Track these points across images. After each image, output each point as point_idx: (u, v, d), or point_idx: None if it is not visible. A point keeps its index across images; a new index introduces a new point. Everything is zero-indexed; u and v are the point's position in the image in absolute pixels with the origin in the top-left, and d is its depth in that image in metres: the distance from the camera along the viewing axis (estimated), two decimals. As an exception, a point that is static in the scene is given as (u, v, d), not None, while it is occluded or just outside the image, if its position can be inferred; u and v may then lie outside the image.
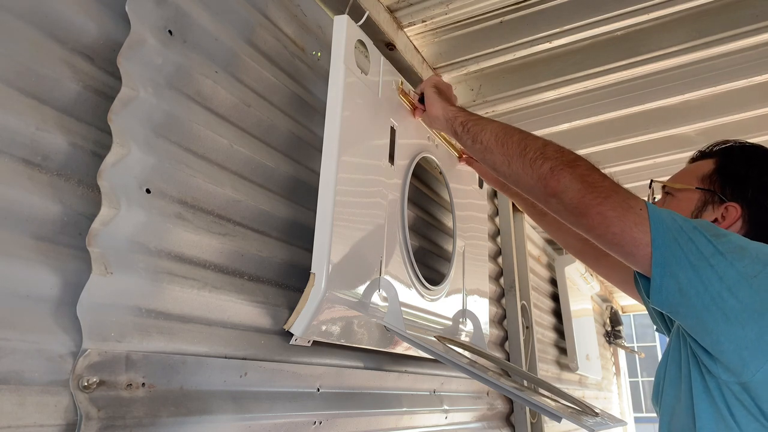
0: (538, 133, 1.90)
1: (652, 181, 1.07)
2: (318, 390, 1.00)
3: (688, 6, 1.37)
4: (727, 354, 0.76)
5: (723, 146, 1.01)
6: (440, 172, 1.45)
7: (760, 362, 0.74)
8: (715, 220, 0.93)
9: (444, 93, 1.17)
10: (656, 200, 1.06)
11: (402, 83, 1.23)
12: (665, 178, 1.07)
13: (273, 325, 0.92)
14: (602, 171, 0.87)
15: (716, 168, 0.98)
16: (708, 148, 1.03)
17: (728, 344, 0.75)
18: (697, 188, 0.97)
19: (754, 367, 0.74)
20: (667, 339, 1.03)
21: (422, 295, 1.23)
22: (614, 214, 0.79)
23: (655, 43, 1.50)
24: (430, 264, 1.42)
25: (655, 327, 1.17)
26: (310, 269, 0.91)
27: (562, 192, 0.84)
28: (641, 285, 0.82)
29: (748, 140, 1.01)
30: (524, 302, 2.19)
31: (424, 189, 1.48)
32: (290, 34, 1.08)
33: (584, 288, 3.18)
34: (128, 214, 0.68)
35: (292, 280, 0.97)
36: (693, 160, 1.06)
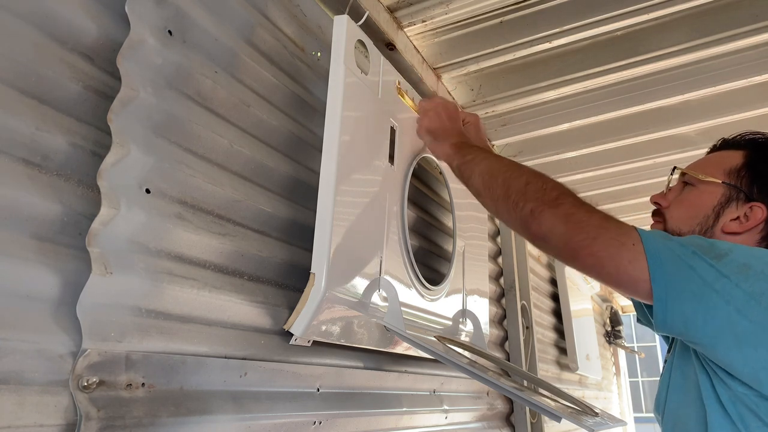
0: (538, 133, 1.92)
1: (674, 168, 0.99)
2: (318, 390, 1.00)
3: (688, 6, 1.37)
4: (743, 376, 0.73)
5: (753, 138, 0.94)
6: (440, 172, 1.45)
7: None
8: (737, 219, 0.87)
9: (448, 118, 1.13)
10: (672, 187, 0.98)
11: (399, 83, 1.23)
12: (655, 170, 1.01)
13: (273, 325, 0.92)
14: (588, 205, 0.81)
15: (746, 162, 0.90)
16: (735, 137, 0.96)
17: (743, 367, 0.73)
18: (723, 182, 0.90)
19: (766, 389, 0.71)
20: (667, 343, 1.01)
21: (422, 295, 1.23)
22: (606, 254, 0.76)
23: (655, 43, 1.50)
24: (430, 264, 1.42)
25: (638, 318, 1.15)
26: (310, 269, 0.91)
27: (547, 235, 0.81)
28: (647, 312, 0.79)
29: None
30: (524, 302, 2.19)
31: (424, 189, 1.47)
32: (290, 34, 1.08)
33: (584, 288, 3.18)
34: (128, 214, 0.68)
35: (292, 280, 0.97)
36: (716, 148, 0.98)
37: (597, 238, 0.77)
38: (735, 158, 0.92)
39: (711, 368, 0.78)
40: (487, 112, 1.80)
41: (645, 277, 0.74)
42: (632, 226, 0.78)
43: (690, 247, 0.75)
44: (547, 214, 0.80)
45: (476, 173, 0.97)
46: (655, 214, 0.99)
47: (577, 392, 2.91)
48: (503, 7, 1.41)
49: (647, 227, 1.01)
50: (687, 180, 0.96)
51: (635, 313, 1.14)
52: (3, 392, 0.55)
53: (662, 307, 0.74)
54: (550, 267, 2.95)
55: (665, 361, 0.96)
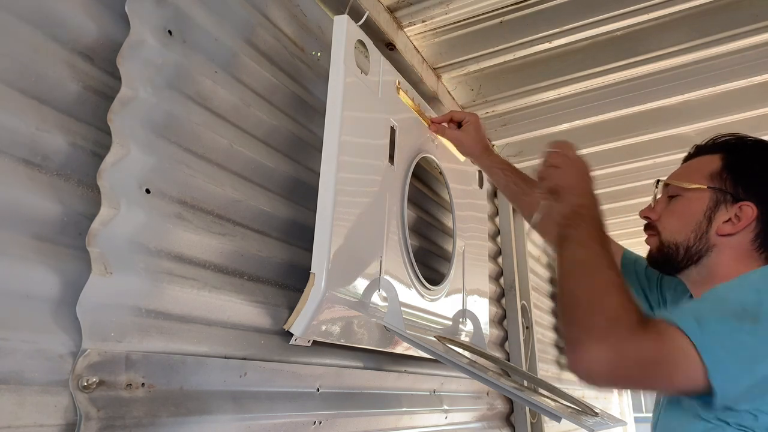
0: (538, 133, 1.92)
1: (658, 181, 1.01)
2: (318, 390, 1.00)
3: (688, 6, 1.37)
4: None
5: (724, 141, 0.95)
6: (440, 172, 1.45)
7: None
8: (729, 220, 0.88)
9: (581, 177, 1.02)
10: (659, 199, 0.99)
11: (399, 83, 1.23)
12: (665, 178, 1.01)
13: (273, 325, 0.92)
14: (641, 327, 0.72)
15: (724, 165, 0.91)
16: (707, 142, 0.97)
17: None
18: (708, 187, 0.91)
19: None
20: None
21: (422, 295, 1.23)
22: (672, 367, 0.71)
23: (655, 43, 1.50)
24: (430, 264, 1.42)
25: None
26: (310, 269, 0.91)
27: (590, 376, 0.74)
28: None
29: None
30: (524, 302, 2.19)
31: (424, 189, 1.47)
32: (290, 34, 1.08)
33: (584, 288, 3.17)
34: (128, 214, 0.68)
35: (292, 280, 0.97)
36: (690, 156, 0.99)
37: (660, 353, 0.71)
38: (714, 162, 0.93)
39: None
40: (487, 112, 1.80)
41: (704, 379, 0.71)
42: (675, 327, 0.72)
43: (730, 321, 0.72)
44: (600, 350, 0.72)
45: (563, 256, 0.87)
46: (647, 228, 1.01)
47: (577, 392, 2.91)
48: (503, 7, 1.41)
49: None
50: (672, 192, 0.97)
51: None
52: (3, 392, 0.55)
53: (724, 391, 0.71)
54: (550, 267, 2.94)
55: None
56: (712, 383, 0.70)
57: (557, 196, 0.97)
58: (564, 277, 0.84)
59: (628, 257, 1.18)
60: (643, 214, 1.01)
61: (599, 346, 0.72)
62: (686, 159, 1.01)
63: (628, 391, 0.91)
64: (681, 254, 0.92)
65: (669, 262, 0.94)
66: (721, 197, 0.90)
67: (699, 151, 0.98)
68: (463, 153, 1.40)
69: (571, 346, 0.74)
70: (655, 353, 0.71)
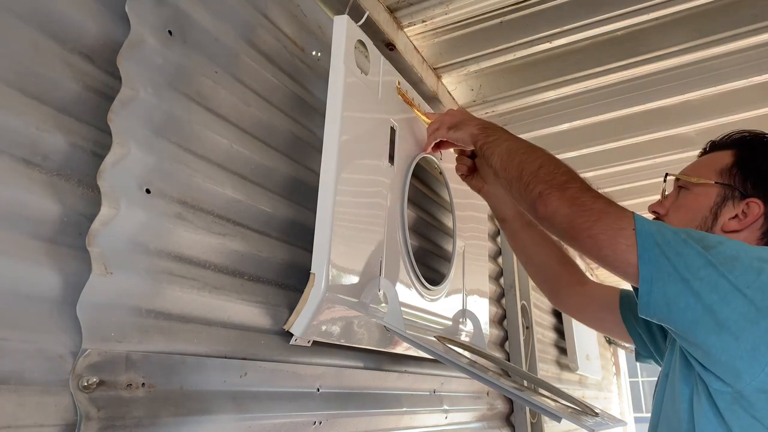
0: (538, 133, 1.92)
1: (666, 174, 1.02)
2: (318, 390, 1.00)
3: (688, 6, 1.37)
4: (720, 365, 0.74)
5: (740, 137, 0.95)
6: (440, 172, 1.45)
7: (755, 372, 0.72)
8: (736, 216, 0.88)
9: (464, 113, 1.17)
10: (668, 194, 1.00)
11: (399, 83, 1.23)
12: (656, 169, 1.02)
13: (273, 325, 0.92)
14: (595, 191, 0.85)
15: (736, 161, 0.91)
16: (722, 138, 0.97)
17: (720, 355, 0.74)
18: (716, 183, 0.91)
19: (749, 377, 0.72)
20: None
21: (422, 295, 1.23)
22: (605, 237, 0.79)
23: (655, 43, 1.50)
24: (430, 264, 1.42)
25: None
26: (310, 269, 0.91)
27: (552, 216, 0.85)
28: (641, 332, 0.82)
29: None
30: (524, 302, 2.19)
31: (424, 189, 1.47)
32: (290, 34, 1.08)
33: (584, 288, 3.18)
34: (128, 214, 0.68)
35: (292, 280, 0.97)
36: (705, 152, 1.00)
37: (598, 220, 0.80)
38: (725, 158, 0.93)
39: (695, 369, 0.78)
40: (487, 112, 1.80)
41: (636, 260, 0.76)
42: (632, 212, 0.80)
43: (681, 234, 0.77)
44: (555, 197, 0.85)
45: (496, 153, 1.00)
46: None
47: (577, 392, 2.91)
48: (503, 7, 1.41)
49: None
50: (681, 185, 0.98)
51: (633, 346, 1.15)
52: (3, 392, 0.55)
53: (647, 288, 0.76)
54: (550, 267, 2.94)
55: (655, 390, 0.96)
56: (639, 268, 0.76)
57: (458, 128, 1.12)
58: (507, 161, 0.96)
59: (626, 294, 1.19)
60: (652, 209, 1.01)
61: (562, 193, 0.85)
62: (701, 155, 1.01)
63: (580, 246, 0.98)
64: None
65: None
66: (728, 193, 0.90)
67: (713, 147, 0.98)
68: (472, 187, 1.38)
69: (537, 198, 0.87)
70: (603, 208, 0.81)
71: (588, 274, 1.50)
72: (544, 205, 0.86)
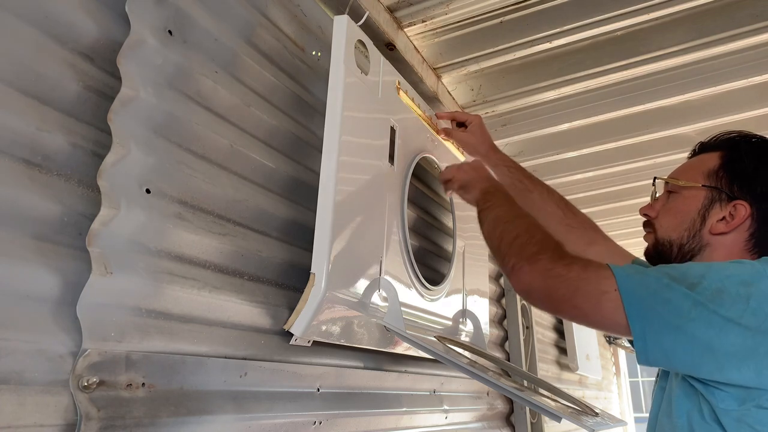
0: (538, 133, 1.92)
1: (655, 178, 1.02)
2: (318, 390, 1.00)
3: (688, 6, 1.37)
4: (725, 392, 0.75)
5: (727, 138, 0.95)
6: (440, 172, 1.45)
7: (760, 393, 0.73)
8: (723, 219, 0.88)
9: (474, 169, 1.21)
10: (658, 197, 1.00)
11: (399, 83, 1.23)
12: (667, 176, 1.03)
13: (273, 325, 0.92)
14: (567, 257, 0.84)
15: (722, 163, 0.91)
16: (711, 140, 0.97)
17: (727, 388, 0.74)
18: (703, 186, 0.92)
19: (755, 398, 0.73)
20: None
21: (422, 295, 1.23)
22: (589, 305, 0.79)
23: (655, 43, 1.50)
24: (430, 264, 1.42)
25: None
26: (310, 269, 0.91)
27: (527, 290, 0.85)
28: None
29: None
30: (524, 302, 2.19)
31: (424, 189, 1.48)
32: (290, 34, 1.08)
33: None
34: (128, 214, 0.68)
35: (292, 280, 0.97)
36: (694, 153, 1.00)
37: (578, 290, 0.80)
38: (712, 160, 0.93)
39: (697, 395, 0.79)
40: (487, 112, 1.80)
41: (626, 320, 0.76)
42: (609, 270, 0.79)
43: (664, 279, 0.76)
44: (525, 271, 0.85)
45: (485, 222, 1.05)
46: (645, 225, 1.02)
47: (577, 392, 2.91)
48: (503, 7, 1.41)
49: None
50: (670, 188, 0.98)
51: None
52: (3, 392, 0.55)
53: (642, 344, 0.76)
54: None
55: (654, 391, 0.96)
56: (630, 326, 0.75)
57: (466, 190, 1.19)
58: (491, 231, 1.00)
59: (639, 262, 1.19)
60: (643, 212, 1.02)
61: (533, 266, 0.84)
62: (691, 156, 1.01)
63: (566, 317, 1.01)
64: (674, 252, 0.93)
65: (663, 259, 0.94)
66: (716, 196, 0.90)
67: (702, 148, 0.99)
68: (469, 153, 1.41)
69: (510, 272, 0.88)
70: (579, 275, 0.80)
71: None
72: (517, 280, 0.86)
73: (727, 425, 0.75)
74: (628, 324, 0.76)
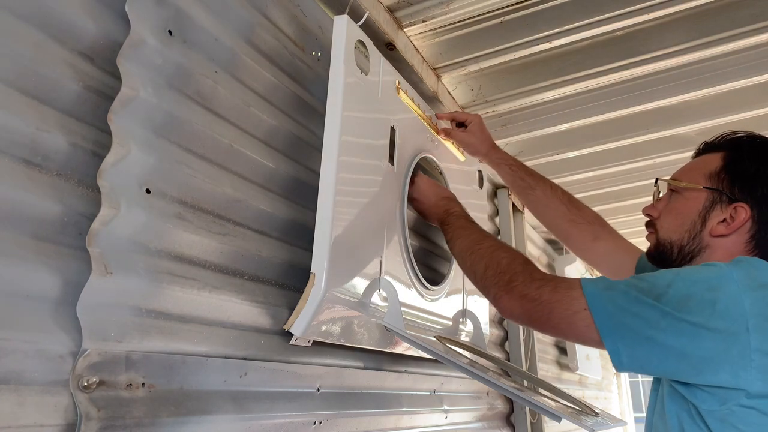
0: (538, 133, 1.92)
1: (657, 179, 1.02)
2: (318, 390, 1.00)
3: (688, 6, 1.37)
4: (706, 394, 0.77)
5: (731, 138, 0.95)
6: (440, 172, 1.45)
7: (739, 394, 0.74)
8: (724, 221, 0.88)
9: (427, 197, 1.25)
10: (661, 197, 1.00)
11: (399, 83, 1.23)
12: (668, 177, 1.02)
13: (273, 325, 0.92)
14: (539, 278, 0.88)
15: (724, 164, 0.91)
16: (715, 139, 0.97)
17: (708, 389, 0.76)
18: (704, 187, 0.91)
19: (735, 399, 0.74)
20: None
21: (422, 295, 1.23)
22: (564, 325, 0.83)
23: (655, 43, 1.50)
24: (430, 264, 1.42)
25: None
26: (310, 269, 0.91)
27: (511, 316, 0.90)
28: None
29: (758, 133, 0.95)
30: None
31: (424, 189, 1.47)
32: (290, 34, 1.08)
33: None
34: (128, 214, 0.68)
35: (292, 280, 0.97)
36: (699, 153, 0.99)
37: (552, 312, 0.83)
38: (714, 161, 0.93)
39: (683, 397, 0.81)
40: (487, 112, 1.80)
41: (599, 336, 0.79)
42: (579, 289, 0.82)
43: (632, 292, 0.78)
44: (505, 299, 0.90)
45: (453, 253, 1.12)
46: (648, 225, 1.02)
47: (577, 392, 2.91)
48: (503, 7, 1.41)
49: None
50: (672, 188, 0.98)
51: None
52: (3, 392, 0.55)
53: (617, 358, 0.78)
54: (550, 267, 2.95)
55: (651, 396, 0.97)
56: (604, 342, 0.78)
57: (425, 217, 1.27)
58: (462, 264, 1.06)
59: (644, 263, 1.19)
60: (645, 211, 1.02)
61: (510, 294, 0.88)
62: (695, 155, 1.00)
63: (549, 335, 1.10)
64: (675, 253, 0.93)
65: (664, 260, 0.94)
66: (717, 197, 0.90)
67: (706, 148, 0.98)
68: (470, 153, 1.42)
69: (493, 302, 0.93)
70: (551, 298, 0.83)
71: (588, 276, 1.49)
72: (501, 309, 0.91)
73: (712, 425, 0.76)
74: (600, 339, 0.79)
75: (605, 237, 1.25)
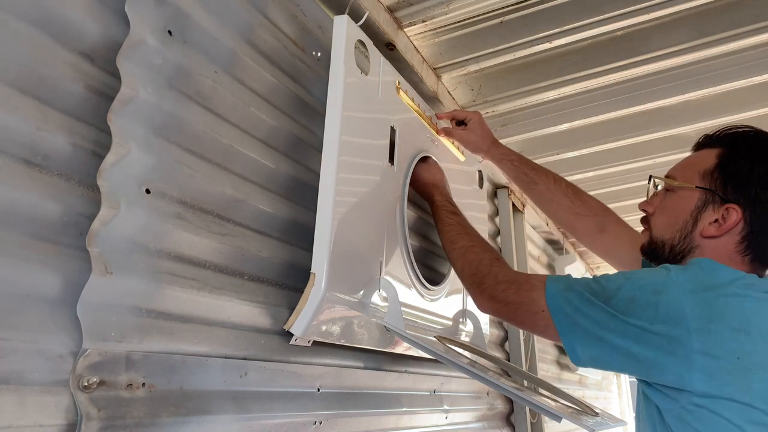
0: (538, 133, 1.92)
1: (651, 177, 1.01)
2: (318, 390, 1.00)
3: (688, 6, 1.37)
4: (660, 392, 0.80)
5: (730, 133, 0.92)
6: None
7: (687, 395, 0.76)
8: (716, 221, 0.86)
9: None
10: (657, 192, 0.99)
11: (399, 83, 1.23)
12: (667, 172, 1.01)
13: (273, 325, 0.92)
14: (506, 279, 0.94)
15: (718, 163, 0.89)
16: (716, 133, 0.94)
17: (660, 390, 0.80)
18: (697, 187, 0.90)
19: (685, 399, 0.77)
20: None
21: (422, 295, 1.23)
22: (528, 323, 0.90)
23: (655, 43, 1.50)
24: (430, 264, 1.42)
25: None
26: (310, 269, 0.91)
27: (488, 313, 1.00)
28: None
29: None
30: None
31: (424, 189, 1.47)
32: (290, 34, 1.08)
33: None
34: (128, 214, 0.68)
35: (292, 280, 0.97)
36: (698, 146, 0.97)
37: (516, 313, 0.91)
38: (709, 159, 0.90)
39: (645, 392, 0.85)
40: (487, 112, 1.80)
41: (557, 334, 0.85)
42: (540, 291, 0.87)
43: (586, 293, 0.83)
44: (479, 300, 0.98)
45: (443, 233, 1.17)
46: (643, 221, 1.00)
47: (577, 392, 2.91)
48: (503, 7, 1.41)
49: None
50: (667, 185, 0.97)
51: None
52: (3, 392, 0.55)
53: (573, 355, 0.83)
54: (550, 267, 2.95)
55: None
56: (561, 339, 0.84)
57: (424, 196, 1.30)
58: (447, 254, 1.13)
59: None
60: (641, 207, 1.01)
61: (482, 296, 0.97)
62: (695, 148, 0.98)
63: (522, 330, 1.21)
64: (666, 252, 0.92)
65: (656, 258, 0.94)
66: (709, 197, 0.88)
67: (704, 143, 0.96)
68: (472, 150, 1.40)
69: (473, 300, 1.01)
70: (514, 299, 0.90)
71: (588, 276, 1.49)
72: (478, 307, 1.00)
73: (672, 424, 0.79)
74: (559, 337, 0.84)
75: (611, 229, 1.23)
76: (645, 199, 1.02)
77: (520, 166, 1.31)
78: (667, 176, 0.98)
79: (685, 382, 0.75)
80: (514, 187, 2.26)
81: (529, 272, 2.30)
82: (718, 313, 0.76)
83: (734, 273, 0.80)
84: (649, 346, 0.77)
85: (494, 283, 0.95)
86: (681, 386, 0.76)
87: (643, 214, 1.01)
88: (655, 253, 0.94)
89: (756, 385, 0.73)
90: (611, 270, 1.28)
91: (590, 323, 0.81)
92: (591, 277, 0.87)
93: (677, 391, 0.77)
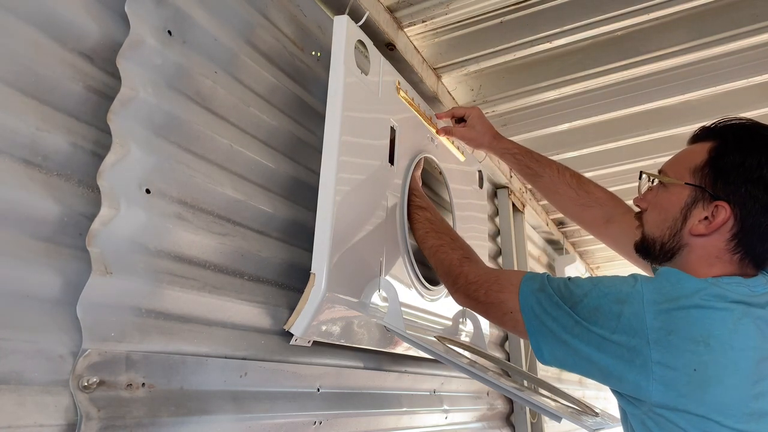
0: (538, 133, 1.92)
1: (641, 173, 0.98)
2: (318, 390, 1.00)
3: (688, 6, 1.37)
4: (627, 401, 0.82)
5: (723, 126, 0.89)
6: (440, 172, 1.45)
7: (645, 404, 0.78)
8: (705, 218, 0.84)
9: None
10: (651, 188, 0.96)
11: (399, 83, 1.23)
12: (656, 169, 0.98)
13: (273, 325, 0.92)
14: (478, 280, 0.96)
15: (709, 158, 0.85)
16: (711, 125, 0.91)
17: (623, 396, 0.82)
18: (687, 184, 0.87)
19: (645, 406, 0.78)
20: None
21: (422, 295, 1.23)
22: (500, 322, 0.93)
23: (655, 43, 1.50)
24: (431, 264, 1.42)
25: None
26: (310, 269, 0.91)
27: (464, 306, 1.02)
28: None
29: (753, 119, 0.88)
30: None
31: (424, 189, 1.47)
32: (290, 34, 1.08)
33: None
34: (128, 215, 0.68)
35: (292, 280, 0.97)
36: (694, 138, 0.93)
37: (488, 312, 0.95)
38: (701, 154, 0.88)
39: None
40: (487, 112, 1.80)
41: (527, 335, 0.87)
42: (511, 292, 0.89)
43: (555, 297, 0.85)
44: (455, 297, 1.02)
45: (418, 230, 1.19)
46: (637, 217, 0.99)
47: (577, 392, 2.91)
48: (503, 8, 1.41)
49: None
50: (660, 180, 0.94)
51: None
52: (3, 392, 0.55)
53: (540, 354, 0.85)
54: (550, 267, 2.95)
55: None
56: (530, 339, 0.86)
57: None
58: (425, 254, 1.14)
59: None
60: (635, 203, 0.99)
61: (457, 293, 1.01)
62: (691, 141, 0.95)
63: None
64: (657, 249, 0.91)
65: (649, 254, 0.93)
66: (699, 194, 0.85)
67: (698, 136, 0.93)
68: (474, 147, 1.38)
69: (452, 297, 1.04)
70: (485, 299, 0.94)
71: (587, 275, 1.48)
72: (457, 303, 1.03)
73: (636, 428, 0.81)
74: (528, 337, 0.86)
75: (618, 219, 1.20)
76: (638, 195, 1.01)
77: (523, 159, 1.29)
78: (660, 171, 0.95)
79: (643, 392, 0.76)
80: (514, 186, 2.26)
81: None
82: (678, 324, 0.76)
83: (699, 283, 0.79)
84: (609, 355, 0.78)
85: (466, 283, 0.98)
86: (638, 396, 0.77)
87: (637, 211, 1.00)
88: (647, 250, 0.93)
89: (710, 397, 0.73)
90: (612, 270, 1.27)
91: (557, 326, 0.83)
92: (565, 278, 0.88)
93: (636, 399, 0.79)
